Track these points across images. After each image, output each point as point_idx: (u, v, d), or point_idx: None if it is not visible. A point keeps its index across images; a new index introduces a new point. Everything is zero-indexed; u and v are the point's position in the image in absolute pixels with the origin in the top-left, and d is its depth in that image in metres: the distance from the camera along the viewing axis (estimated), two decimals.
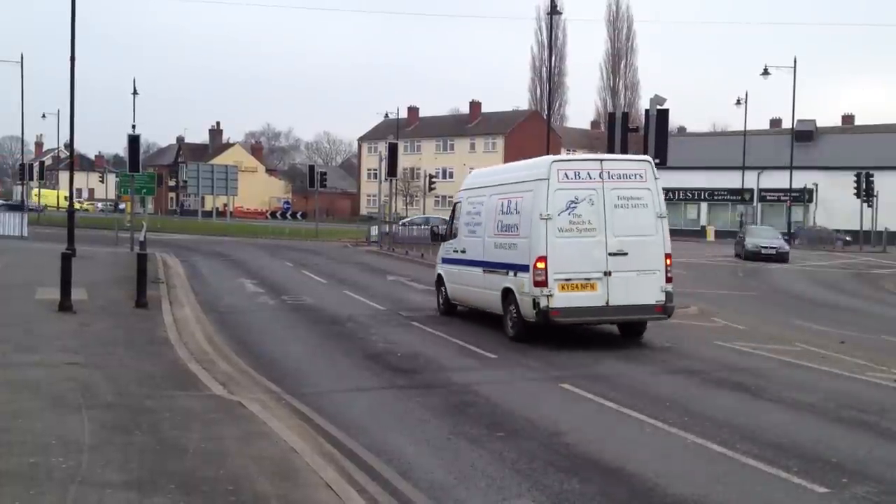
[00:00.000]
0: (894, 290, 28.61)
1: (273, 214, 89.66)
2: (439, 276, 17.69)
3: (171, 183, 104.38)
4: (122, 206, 58.91)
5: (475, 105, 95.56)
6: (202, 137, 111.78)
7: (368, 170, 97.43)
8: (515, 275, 13.94)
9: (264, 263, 28.86)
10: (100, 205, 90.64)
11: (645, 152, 19.62)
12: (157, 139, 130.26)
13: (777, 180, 60.93)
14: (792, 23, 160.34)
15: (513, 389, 10.70)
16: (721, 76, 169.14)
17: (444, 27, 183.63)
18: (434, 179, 78.33)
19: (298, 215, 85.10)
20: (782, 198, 59.94)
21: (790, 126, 60.86)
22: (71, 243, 24.30)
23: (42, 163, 76.71)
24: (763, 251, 38.43)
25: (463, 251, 16.49)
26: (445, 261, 17.54)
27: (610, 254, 13.42)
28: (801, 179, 58.09)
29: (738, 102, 61.59)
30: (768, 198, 64.47)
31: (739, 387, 11.02)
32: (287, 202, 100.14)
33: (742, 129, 63.37)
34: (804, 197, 60.56)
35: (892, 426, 9.25)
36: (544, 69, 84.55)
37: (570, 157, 16.76)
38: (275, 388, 10.44)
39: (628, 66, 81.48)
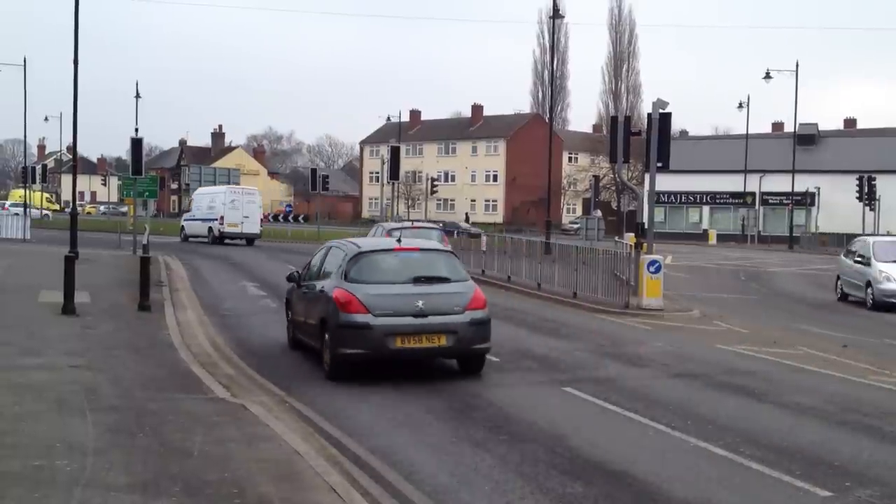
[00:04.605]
0: None
1: (275, 217, 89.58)
2: (182, 226, 42.88)
3: (174, 186, 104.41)
4: (124, 208, 59.06)
5: (477, 108, 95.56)
6: (204, 140, 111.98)
7: (370, 173, 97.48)
8: (213, 221, 39.98)
9: (266, 266, 28.87)
10: (102, 208, 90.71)
11: (647, 156, 19.69)
12: (160, 142, 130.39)
13: (779, 184, 60.89)
14: (794, 27, 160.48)
15: (515, 393, 10.70)
16: (723, 80, 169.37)
17: (446, 31, 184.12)
18: (436, 183, 78.44)
19: (300, 218, 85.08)
20: (784, 201, 59.89)
21: (792, 129, 60.85)
22: (74, 246, 24.32)
23: (45, 166, 76.73)
24: None
25: (193, 216, 42.66)
26: (185, 220, 43.77)
27: (243, 216, 39.99)
28: (804, 183, 58.05)
29: (741, 106, 61.73)
30: (770, 201, 64.41)
31: (742, 390, 11.03)
32: (289, 205, 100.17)
33: (744, 132, 63.38)
34: (806, 201, 60.50)
35: (894, 430, 9.25)
36: (546, 73, 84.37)
37: (235, 186, 44.09)
38: (278, 391, 10.45)
39: (630, 69, 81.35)
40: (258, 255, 34.64)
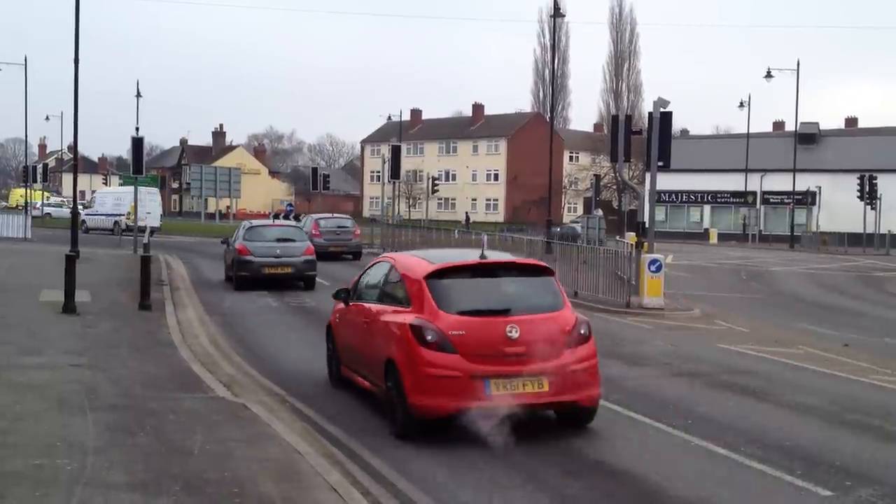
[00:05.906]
0: None
1: (276, 217, 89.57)
2: (83, 220, 42.14)
3: (175, 185, 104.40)
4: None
5: (478, 107, 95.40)
6: (205, 140, 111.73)
7: (371, 172, 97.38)
8: (120, 217, 43.13)
9: None
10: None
11: (648, 155, 19.69)
12: (161, 141, 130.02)
13: (780, 183, 60.81)
14: (794, 26, 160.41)
15: None
16: (724, 79, 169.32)
17: (447, 30, 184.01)
18: (437, 182, 78.38)
19: (301, 217, 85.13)
20: (785, 201, 59.81)
21: (793, 128, 60.77)
22: (74, 245, 24.31)
23: (45, 165, 76.83)
24: None
25: (97, 212, 46.95)
26: (86, 214, 45.44)
27: (146, 212, 36.20)
28: (805, 182, 57.96)
29: (742, 105, 61.62)
30: (771, 200, 64.33)
31: (743, 390, 11.01)
32: (290, 204, 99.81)
33: (745, 131, 63.33)
34: (807, 200, 60.40)
35: (895, 429, 9.24)
36: (547, 72, 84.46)
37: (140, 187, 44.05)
38: (278, 390, 10.45)
39: (631, 68, 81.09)
40: None
